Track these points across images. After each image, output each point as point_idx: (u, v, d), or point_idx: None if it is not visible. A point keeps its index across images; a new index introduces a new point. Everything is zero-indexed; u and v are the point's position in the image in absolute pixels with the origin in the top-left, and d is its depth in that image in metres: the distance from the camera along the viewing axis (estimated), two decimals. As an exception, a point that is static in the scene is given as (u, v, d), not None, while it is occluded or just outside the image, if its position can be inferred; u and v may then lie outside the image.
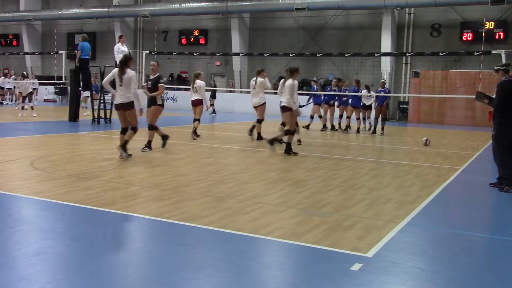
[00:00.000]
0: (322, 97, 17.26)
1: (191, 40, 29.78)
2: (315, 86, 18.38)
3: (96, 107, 16.56)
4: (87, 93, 19.39)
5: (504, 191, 7.24)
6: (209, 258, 4.14)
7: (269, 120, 13.22)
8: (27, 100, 19.86)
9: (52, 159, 8.88)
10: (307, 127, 16.61)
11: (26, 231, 4.74)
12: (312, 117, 17.27)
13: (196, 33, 29.67)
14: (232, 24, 27.89)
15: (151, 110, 10.28)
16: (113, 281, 3.67)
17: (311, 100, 17.62)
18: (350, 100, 17.03)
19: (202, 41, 29.52)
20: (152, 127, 10.30)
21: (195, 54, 26.39)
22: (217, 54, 26.18)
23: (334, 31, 26.46)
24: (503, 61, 15.99)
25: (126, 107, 8.91)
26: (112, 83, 9.38)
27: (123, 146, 8.95)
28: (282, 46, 26.65)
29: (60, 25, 33.40)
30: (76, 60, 16.38)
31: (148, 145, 10.16)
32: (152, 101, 10.31)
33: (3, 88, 27.18)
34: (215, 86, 26.89)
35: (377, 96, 16.73)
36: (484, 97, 8.03)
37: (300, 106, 18.68)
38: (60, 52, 26.49)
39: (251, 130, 12.74)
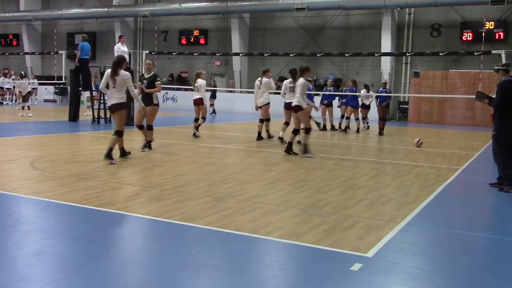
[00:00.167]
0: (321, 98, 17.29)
1: (191, 40, 29.78)
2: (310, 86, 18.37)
3: (96, 107, 16.57)
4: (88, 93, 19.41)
5: (504, 191, 7.24)
6: (209, 258, 4.14)
7: (271, 120, 13.22)
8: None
9: (52, 159, 8.87)
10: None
11: (26, 231, 4.74)
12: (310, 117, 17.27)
13: (196, 33, 29.67)
14: (232, 24, 27.89)
15: (148, 111, 10.11)
16: (113, 281, 3.67)
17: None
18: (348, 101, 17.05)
19: (202, 41, 29.52)
20: (149, 128, 10.21)
21: (195, 54, 26.40)
22: (217, 54, 26.18)
23: (334, 31, 26.46)
24: (503, 61, 15.99)
25: (117, 108, 8.67)
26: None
27: (123, 150, 8.90)
28: (282, 46, 26.66)
29: (60, 25, 33.40)
30: (76, 60, 16.39)
31: (148, 145, 10.16)
32: (148, 101, 10.05)
33: (2, 88, 27.18)
34: (215, 86, 26.89)
35: (377, 96, 16.74)
36: (484, 97, 8.03)
37: None
38: (60, 52, 26.49)
39: (268, 132, 12.85)
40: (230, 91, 28.14)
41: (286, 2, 25.05)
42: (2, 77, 27.41)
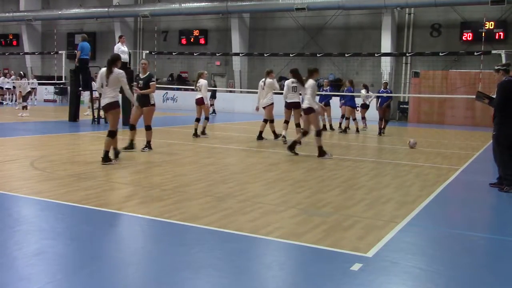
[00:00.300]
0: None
1: (191, 40, 29.77)
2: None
3: (96, 107, 16.57)
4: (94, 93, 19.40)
5: (504, 191, 7.24)
6: (209, 258, 4.14)
7: (275, 119, 13.22)
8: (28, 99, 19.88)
9: (52, 159, 8.87)
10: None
11: (26, 231, 4.74)
12: None
13: (196, 33, 29.67)
14: (232, 24, 27.89)
15: (145, 112, 10.01)
16: (113, 281, 3.67)
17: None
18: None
19: (202, 41, 29.51)
20: (149, 128, 10.13)
21: (195, 54, 26.40)
22: (217, 54, 26.19)
23: (334, 31, 26.46)
24: (503, 61, 16.00)
25: (110, 107, 8.44)
26: None
27: (115, 151, 8.68)
28: (282, 46, 26.66)
29: (60, 25, 33.40)
30: (76, 60, 16.39)
31: (148, 145, 10.15)
32: (144, 102, 9.93)
33: (2, 88, 27.19)
34: (215, 86, 26.89)
35: (378, 97, 16.74)
36: (485, 97, 8.03)
37: None
38: (60, 52, 26.50)
39: (274, 133, 12.82)
40: (230, 91, 28.14)
41: (286, 2, 25.05)
42: (2, 77, 27.40)
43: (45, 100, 31.00)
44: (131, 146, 9.92)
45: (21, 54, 32.83)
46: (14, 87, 26.41)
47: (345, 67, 26.06)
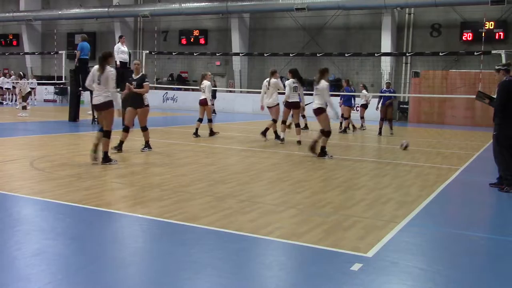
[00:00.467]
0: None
1: (191, 40, 29.77)
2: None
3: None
4: None
5: (504, 191, 7.24)
6: (209, 258, 4.14)
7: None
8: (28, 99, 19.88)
9: (52, 159, 8.87)
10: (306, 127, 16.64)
11: (26, 231, 4.74)
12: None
13: (196, 33, 29.66)
14: (232, 24, 27.89)
15: (140, 113, 9.89)
16: (113, 281, 3.67)
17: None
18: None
19: (202, 41, 29.51)
20: (145, 129, 10.01)
21: (195, 54, 26.40)
22: (217, 54, 26.19)
23: (334, 31, 26.46)
24: (503, 61, 15.99)
25: (103, 107, 8.24)
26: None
27: (104, 152, 8.30)
28: (282, 46, 26.65)
29: (60, 25, 33.40)
30: (76, 60, 16.38)
31: (147, 145, 10.13)
32: (138, 103, 9.83)
33: (2, 88, 27.19)
34: (215, 86, 26.89)
35: (381, 96, 16.75)
36: (485, 97, 8.02)
37: (305, 105, 18.71)
38: (60, 52, 26.50)
39: (276, 133, 12.86)
40: (230, 91, 28.14)
41: (286, 2, 25.05)
42: (2, 77, 27.40)
43: (45, 100, 31.00)
44: (120, 146, 9.70)
45: (21, 54, 32.83)
46: (14, 87, 26.41)
47: (345, 67, 26.05)
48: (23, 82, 20.79)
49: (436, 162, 10.26)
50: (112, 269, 3.91)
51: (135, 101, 9.84)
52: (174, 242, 4.58)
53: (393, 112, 18.36)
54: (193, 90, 27.66)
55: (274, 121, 12.91)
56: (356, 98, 18.91)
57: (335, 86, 23.06)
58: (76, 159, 9.17)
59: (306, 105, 12.94)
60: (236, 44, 27.65)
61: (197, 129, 13.21)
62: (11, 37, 35.69)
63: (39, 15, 32.62)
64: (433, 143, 14.10)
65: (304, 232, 4.87)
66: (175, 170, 8.15)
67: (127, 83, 9.98)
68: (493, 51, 18.91)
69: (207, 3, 27.17)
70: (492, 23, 22.82)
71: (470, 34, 23.42)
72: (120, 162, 8.60)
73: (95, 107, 8.61)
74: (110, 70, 8.26)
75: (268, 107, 12.97)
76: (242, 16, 27.81)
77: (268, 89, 12.87)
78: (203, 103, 13.20)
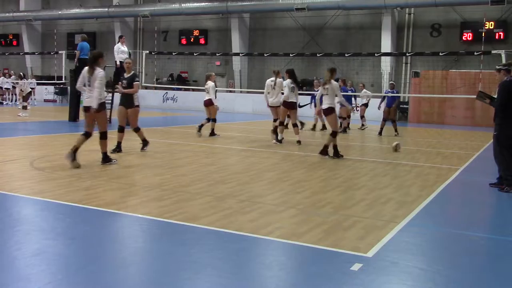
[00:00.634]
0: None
1: (191, 40, 29.78)
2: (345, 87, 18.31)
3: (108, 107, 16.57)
4: None
5: (504, 191, 7.24)
6: (209, 258, 4.14)
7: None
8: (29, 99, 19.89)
9: (52, 159, 8.87)
10: (314, 128, 16.66)
11: (26, 231, 4.74)
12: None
13: (196, 33, 29.68)
14: (232, 24, 27.90)
15: (130, 113, 9.77)
16: (113, 281, 3.67)
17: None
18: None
19: (202, 41, 29.52)
20: (137, 129, 9.89)
21: (195, 54, 26.41)
22: (217, 54, 26.19)
23: (334, 31, 26.46)
24: (503, 61, 15.99)
25: (97, 109, 7.99)
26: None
27: (74, 151, 7.99)
28: (282, 46, 26.66)
29: (60, 25, 33.41)
30: (76, 60, 16.38)
31: (144, 142, 9.98)
32: (129, 103, 9.71)
33: (1, 88, 27.19)
34: (216, 86, 26.89)
35: (385, 97, 16.74)
36: (486, 97, 8.02)
37: (300, 106, 18.67)
38: (60, 52, 26.51)
39: (274, 132, 12.87)
40: (230, 91, 28.15)
41: (286, 2, 25.05)
42: (2, 77, 27.40)
43: (45, 100, 31.00)
44: (118, 148, 9.68)
45: (21, 54, 32.84)
46: (13, 87, 26.41)
47: (345, 67, 26.06)
48: (23, 82, 20.79)
49: (436, 162, 10.26)
50: (112, 269, 3.91)
51: (125, 101, 9.76)
52: (174, 242, 4.58)
53: (397, 113, 18.39)
54: (193, 90, 27.70)
55: (282, 123, 12.92)
56: (357, 98, 18.89)
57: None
58: (77, 159, 9.16)
59: (300, 107, 13.01)
60: (236, 44, 27.65)
61: (202, 125, 13.26)
62: (11, 37, 35.71)
63: (39, 15, 32.63)
64: (433, 143, 14.10)
65: (304, 232, 4.87)
66: (175, 170, 8.15)
67: (119, 83, 9.92)
68: (493, 51, 18.91)
69: (207, 3, 27.17)
70: (492, 23, 22.83)
71: (470, 34, 23.43)
72: (120, 162, 8.60)
73: (84, 109, 8.26)
74: (100, 72, 8.03)
75: (271, 107, 12.98)
76: (242, 16, 27.82)
77: (274, 88, 12.90)
78: (207, 103, 13.32)
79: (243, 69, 28.06)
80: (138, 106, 9.97)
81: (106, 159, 8.32)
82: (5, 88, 27.17)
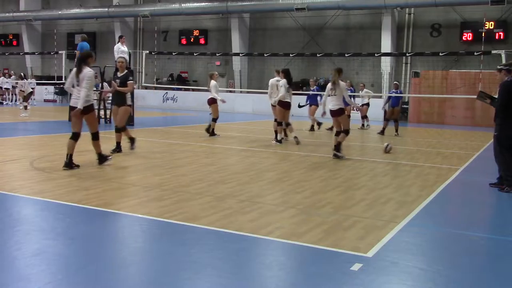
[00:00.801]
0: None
1: (191, 40, 29.79)
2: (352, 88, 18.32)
3: (96, 107, 16.54)
4: None
5: (504, 191, 7.24)
6: (209, 258, 4.13)
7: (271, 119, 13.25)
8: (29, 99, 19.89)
9: (52, 159, 8.87)
10: (312, 128, 16.62)
11: (26, 231, 4.73)
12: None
13: (196, 33, 29.68)
14: (232, 24, 27.90)
15: (120, 111, 9.68)
16: (113, 281, 3.67)
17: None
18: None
19: (202, 41, 29.53)
20: (121, 129, 9.70)
21: (195, 54, 26.41)
22: (217, 54, 26.19)
23: (334, 31, 26.47)
24: (503, 61, 15.99)
25: (85, 111, 7.83)
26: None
27: (70, 159, 7.93)
28: (282, 46, 26.66)
29: (60, 25, 33.42)
30: (76, 60, 16.37)
31: (131, 140, 9.88)
32: (121, 101, 9.66)
33: (1, 88, 27.19)
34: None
35: (389, 97, 16.74)
36: (487, 97, 8.01)
37: (300, 106, 18.65)
38: (60, 52, 26.50)
39: (285, 133, 12.94)
40: (230, 91, 28.15)
41: (286, 2, 25.05)
42: (1, 77, 27.40)
43: (45, 100, 31.00)
44: (118, 148, 9.66)
45: (21, 54, 32.84)
46: (13, 87, 26.40)
47: (345, 67, 25.96)
48: (24, 82, 20.78)
49: (436, 162, 10.26)
50: (112, 269, 3.91)
51: (118, 99, 9.76)
52: (174, 242, 4.58)
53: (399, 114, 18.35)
54: (193, 90, 27.70)
55: (287, 124, 12.94)
56: (357, 98, 18.90)
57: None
58: (76, 159, 9.15)
59: (300, 107, 13.05)
60: (236, 44, 27.65)
61: (209, 127, 13.44)
62: (11, 37, 35.72)
63: (39, 15, 32.64)
64: (433, 143, 14.10)
65: (304, 232, 4.87)
66: (175, 170, 8.15)
67: (112, 81, 9.86)
68: (493, 51, 18.91)
69: (207, 3, 27.18)
70: (492, 23, 22.83)
71: (470, 34, 23.43)
72: (120, 162, 8.60)
73: (71, 109, 8.04)
74: (89, 71, 7.83)
75: (274, 106, 12.99)
76: (242, 16, 27.82)
77: (278, 89, 12.90)
78: (210, 102, 13.45)
79: (243, 69, 28.06)
80: (129, 105, 9.98)
81: (101, 159, 8.31)
82: (5, 88, 27.16)
